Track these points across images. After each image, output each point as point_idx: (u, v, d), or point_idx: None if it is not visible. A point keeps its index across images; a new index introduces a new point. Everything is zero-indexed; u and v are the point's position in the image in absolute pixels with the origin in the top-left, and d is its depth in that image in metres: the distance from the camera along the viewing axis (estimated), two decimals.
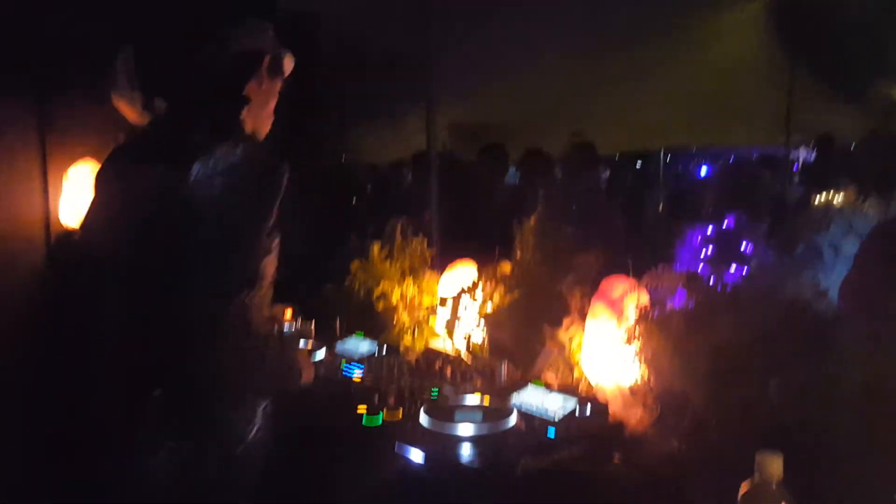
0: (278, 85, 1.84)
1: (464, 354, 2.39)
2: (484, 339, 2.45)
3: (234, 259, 1.52)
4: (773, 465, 1.13)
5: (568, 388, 1.96)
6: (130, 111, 3.00)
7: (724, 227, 3.42)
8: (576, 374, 2.20)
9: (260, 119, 1.80)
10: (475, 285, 2.49)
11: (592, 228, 2.48)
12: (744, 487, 1.20)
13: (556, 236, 2.45)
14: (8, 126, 3.18)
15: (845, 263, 2.87)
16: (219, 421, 1.51)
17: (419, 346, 2.59)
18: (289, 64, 1.86)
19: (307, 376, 1.69)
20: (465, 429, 1.62)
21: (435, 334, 2.62)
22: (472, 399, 1.84)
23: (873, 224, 2.86)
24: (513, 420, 1.66)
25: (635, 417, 1.83)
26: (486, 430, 1.62)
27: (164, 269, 1.53)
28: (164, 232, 1.56)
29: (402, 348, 2.47)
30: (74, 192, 3.19)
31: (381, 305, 2.74)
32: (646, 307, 1.98)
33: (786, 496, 1.13)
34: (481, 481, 1.46)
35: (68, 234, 3.17)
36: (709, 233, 3.28)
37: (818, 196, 3.89)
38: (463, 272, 2.70)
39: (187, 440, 1.51)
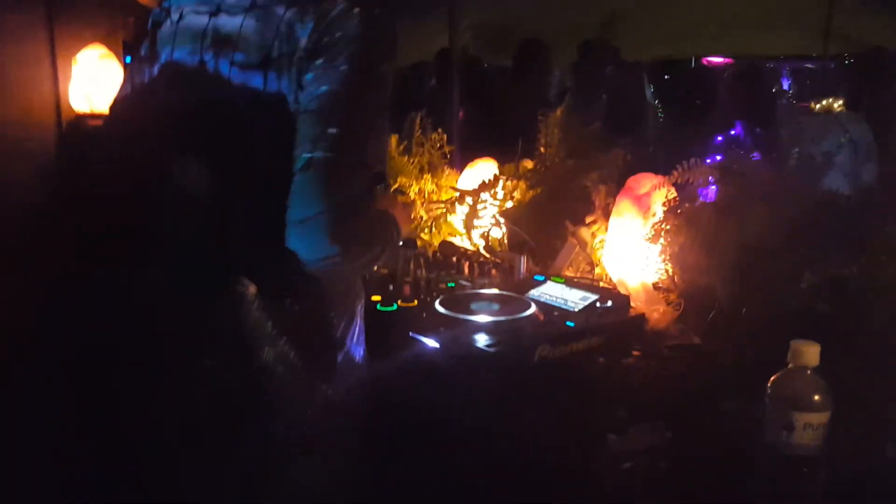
0: None
1: (482, 250, 2.32)
2: (503, 235, 2.38)
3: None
4: (809, 353, 1.07)
5: (589, 284, 1.89)
6: None
7: (733, 134, 3.33)
8: (597, 272, 2.15)
9: None
10: (496, 180, 2.40)
11: (620, 124, 2.37)
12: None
13: (583, 131, 2.35)
14: (14, 11, 3.08)
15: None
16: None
17: (436, 242, 2.53)
18: None
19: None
20: (482, 317, 1.56)
21: (453, 231, 2.56)
22: (489, 291, 1.78)
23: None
24: (531, 310, 1.60)
25: (658, 313, 1.78)
26: (502, 318, 1.56)
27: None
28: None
29: (419, 243, 2.41)
30: (83, 78, 3.11)
31: (399, 199, 2.67)
32: (675, 201, 1.89)
33: (820, 383, 1.08)
34: (496, 367, 1.41)
35: (79, 119, 3.10)
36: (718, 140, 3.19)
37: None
38: (483, 169, 2.61)
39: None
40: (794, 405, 1.07)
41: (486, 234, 2.39)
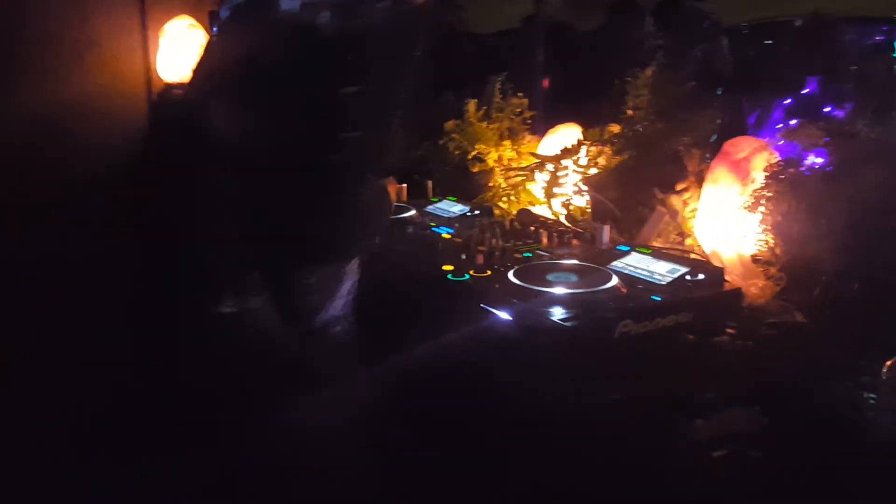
0: None
1: (563, 219, 2.20)
2: (587, 203, 2.25)
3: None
4: None
5: (678, 255, 1.75)
6: None
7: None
8: (688, 243, 1.99)
9: None
10: (578, 146, 2.27)
11: (714, 84, 2.18)
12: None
13: (675, 91, 2.17)
14: None
15: None
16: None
17: (515, 210, 2.42)
18: None
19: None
20: (558, 288, 1.45)
21: (534, 199, 2.44)
22: (568, 262, 1.67)
23: None
24: (612, 282, 1.48)
25: (756, 288, 1.62)
26: (580, 290, 1.45)
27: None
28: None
29: (496, 212, 2.31)
30: (171, 48, 3.14)
31: (476, 168, 2.58)
32: (777, 165, 1.72)
33: None
34: (573, 342, 1.30)
35: (168, 87, 3.14)
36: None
37: None
38: (566, 135, 2.47)
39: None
40: None
41: (567, 202, 2.26)
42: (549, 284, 1.48)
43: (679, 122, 2.15)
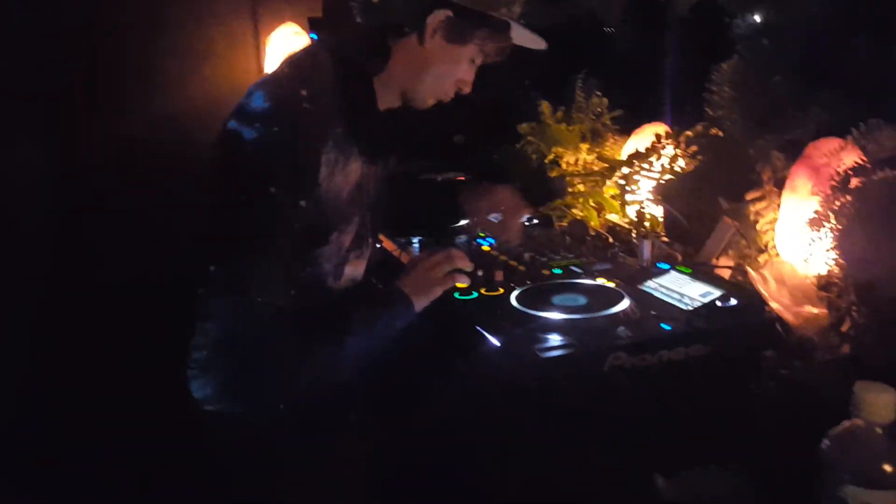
0: (464, 53, 1.37)
1: (633, 229, 2.03)
2: (665, 212, 2.06)
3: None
4: (880, 402, 0.72)
5: (720, 277, 1.55)
6: None
7: None
8: (761, 259, 1.76)
9: (418, 84, 1.38)
10: (652, 149, 2.08)
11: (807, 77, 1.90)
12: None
13: (759, 88, 1.92)
14: None
15: None
16: None
17: (593, 219, 2.27)
18: (525, 39, 1.43)
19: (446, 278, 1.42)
20: (554, 313, 1.33)
21: (610, 206, 2.27)
22: (584, 281, 1.53)
23: None
24: (620, 306, 1.33)
25: (802, 317, 1.39)
26: (577, 316, 1.31)
27: None
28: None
29: (560, 220, 2.18)
30: (277, 55, 3.26)
31: (554, 172, 2.44)
32: (846, 172, 1.47)
33: None
34: (551, 377, 1.19)
35: None
36: None
37: None
38: (650, 136, 2.28)
39: None
40: (853, 476, 0.73)
41: (640, 210, 2.08)
42: (548, 307, 1.35)
43: (764, 122, 1.90)
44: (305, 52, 1.39)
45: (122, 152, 2.96)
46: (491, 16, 1.34)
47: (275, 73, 1.35)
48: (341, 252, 1.41)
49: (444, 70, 1.37)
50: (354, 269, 1.47)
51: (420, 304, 1.37)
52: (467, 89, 1.44)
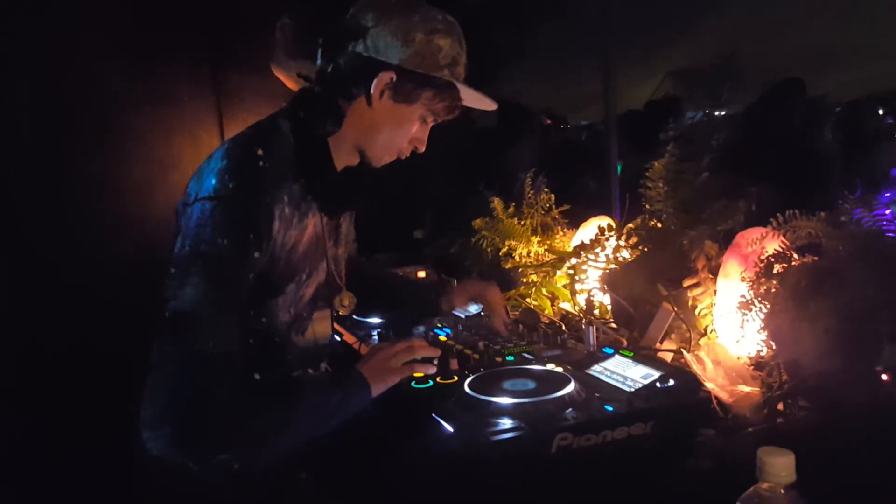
0: (412, 112, 1.45)
1: (583, 316, 2.13)
2: (612, 299, 2.17)
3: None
4: (779, 465, 0.80)
5: (661, 360, 1.65)
6: (288, 81, 3.08)
7: None
8: (702, 342, 1.87)
9: (370, 144, 1.47)
10: (597, 241, 2.21)
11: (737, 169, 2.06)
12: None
13: (691, 179, 2.08)
14: (189, 103, 3.47)
15: None
16: None
17: (547, 308, 2.38)
18: (472, 99, 1.51)
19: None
20: (503, 398, 1.41)
21: (563, 295, 2.39)
22: (534, 367, 1.61)
23: None
24: (566, 390, 1.42)
25: (734, 394, 1.49)
26: (525, 400, 1.39)
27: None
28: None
29: (514, 310, 2.28)
30: None
31: (508, 264, 2.57)
32: (769, 259, 1.60)
33: (800, 502, 0.81)
34: (503, 460, 1.25)
35: None
36: None
37: None
38: (595, 229, 2.42)
39: None
40: None
41: (588, 298, 2.20)
42: (499, 393, 1.43)
43: (696, 214, 2.05)
44: (267, 118, 1.46)
45: (87, 256, 3.02)
46: (435, 77, 1.41)
47: (236, 136, 1.42)
48: (301, 303, 1.47)
49: (393, 129, 1.45)
50: (320, 326, 1.54)
51: (377, 389, 1.42)
52: (422, 147, 1.52)
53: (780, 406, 1.45)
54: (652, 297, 1.94)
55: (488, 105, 1.55)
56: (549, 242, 2.53)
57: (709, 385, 1.51)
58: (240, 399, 1.21)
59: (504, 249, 2.56)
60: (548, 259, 2.44)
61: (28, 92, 2.95)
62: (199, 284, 1.21)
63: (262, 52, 3.32)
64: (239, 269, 1.26)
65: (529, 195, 2.59)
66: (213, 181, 1.28)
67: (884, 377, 1.27)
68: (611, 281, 2.10)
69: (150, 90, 3.28)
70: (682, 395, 1.45)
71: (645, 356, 1.64)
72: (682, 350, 1.75)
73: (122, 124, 3.21)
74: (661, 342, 1.90)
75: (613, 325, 2.10)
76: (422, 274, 2.67)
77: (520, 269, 2.49)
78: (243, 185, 1.28)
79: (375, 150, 1.48)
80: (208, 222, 1.24)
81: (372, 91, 1.40)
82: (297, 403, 1.31)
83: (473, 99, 1.52)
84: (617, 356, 1.65)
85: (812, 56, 4.33)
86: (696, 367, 1.56)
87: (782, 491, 0.81)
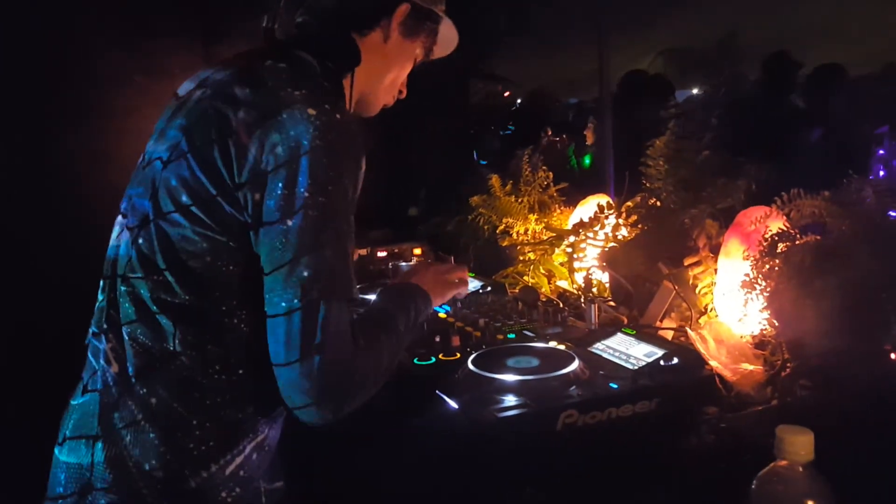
0: (413, 49, 1.35)
1: (582, 295, 2.13)
2: (610, 277, 2.17)
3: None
4: (798, 444, 0.80)
5: (663, 338, 1.64)
6: None
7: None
8: (702, 321, 1.87)
9: (377, 85, 1.34)
10: (596, 219, 2.20)
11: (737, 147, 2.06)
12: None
13: (691, 158, 2.08)
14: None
15: None
16: None
17: (544, 286, 2.38)
18: (446, 40, 1.42)
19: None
20: (508, 375, 1.40)
21: (560, 273, 2.38)
22: (537, 345, 1.61)
23: None
24: (570, 367, 1.41)
25: (740, 373, 1.49)
26: (530, 377, 1.39)
27: None
28: None
29: (512, 287, 2.27)
30: None
31: (505, 242, 2.55)
32: (773, 238, 1.60)
33: (816, 486, 0.80)
34: (508, 436, 1.25)
35: None
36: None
37: None
38: (594, 207, 2.41)
39: None
40: None
41: (587, 276, 2.19)
42: (503, 370, 1.42)
43: (697, 192, 2.04)
44: (286, 55, 1.20)
45: (74, 233, 2.96)
46: (434, 11, 1.34)
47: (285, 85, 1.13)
48: None
49: (400, 68, 1.36)
50: None
51: (436, 302, 1.41)
52: (405, 92, 1.41)
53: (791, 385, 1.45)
54: (652, 275, 1.94)
55: (452, 43, 1.45)
56: (545, 220, 2.52)
57: (712, 363, 1.51)
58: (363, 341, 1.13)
59: (501, 227, 2.55)
60: (545, 237, 2.43)
61: (9, 64, 2.88)
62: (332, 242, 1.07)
63: (255, 23, 3.27)
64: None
65: (527, 173, 2.57)
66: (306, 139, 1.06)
67: (893, 356, 1.28)
68: (610, 259, 2.09)
69: (141, 62, 3.22)
70: (687, 373, 1.45)
71: (647, 334, 1.64)
72: (685, 328, 1.74)
73: (111, 97, 3.15)
74: (662, 321, 1.90)
75: (612, 304, 2.10)
76: (417, 251, 2.65)
77: (517, 247, 2.48)
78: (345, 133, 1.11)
79: (379, 94, 1.35)
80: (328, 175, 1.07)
81: (392, 23, 1.29)
82: (395, 330, 1.24)
83: (450, 40, 1.43)
84: (619, 334, 1.65)
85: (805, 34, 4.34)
86: (699, 346, 1.55)
87: (801, 469, 0.80)
